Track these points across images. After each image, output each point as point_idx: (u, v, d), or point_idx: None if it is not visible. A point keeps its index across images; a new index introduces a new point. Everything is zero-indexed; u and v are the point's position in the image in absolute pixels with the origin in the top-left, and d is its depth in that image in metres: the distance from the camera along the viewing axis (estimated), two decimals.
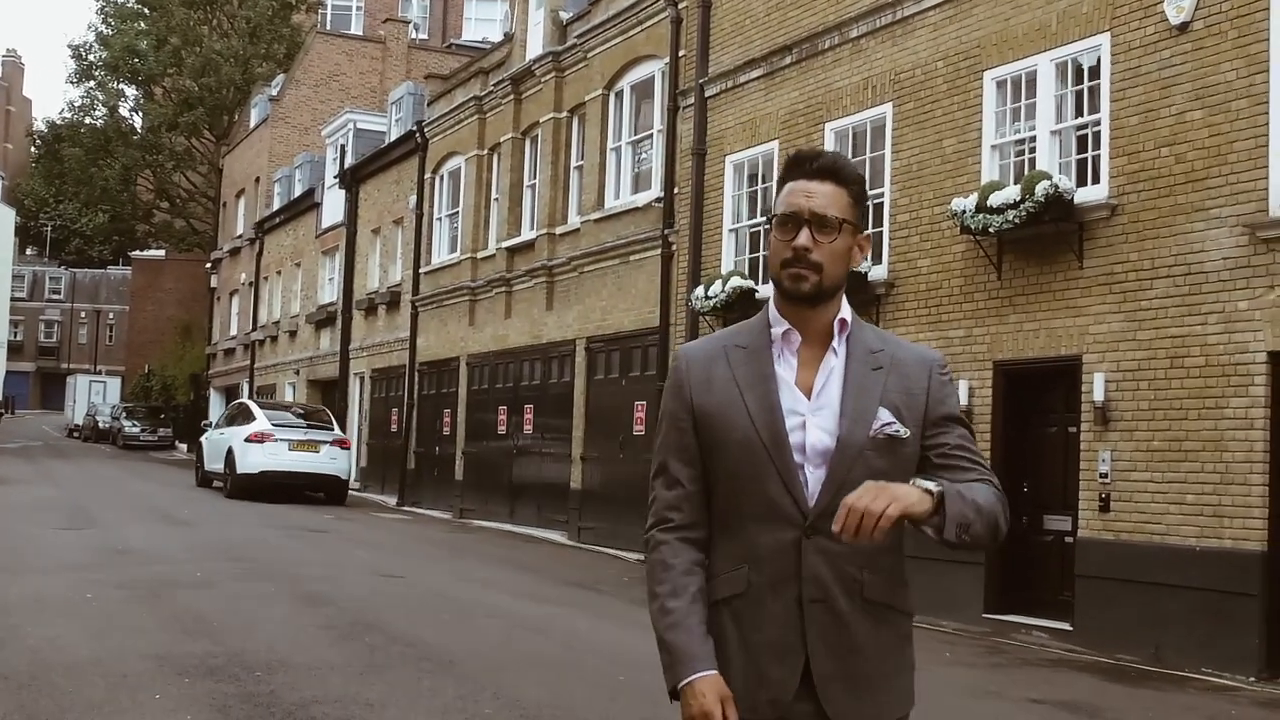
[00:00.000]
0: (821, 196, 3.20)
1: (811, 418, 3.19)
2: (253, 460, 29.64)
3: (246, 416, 31.37)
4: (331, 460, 30.57)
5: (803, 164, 3.26)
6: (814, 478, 3.16)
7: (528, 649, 11.51)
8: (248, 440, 29.83)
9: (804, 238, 3.18)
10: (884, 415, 3.19)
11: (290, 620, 12.25)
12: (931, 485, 3.03)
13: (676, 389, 3.33)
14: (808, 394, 3.21)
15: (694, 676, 3.13)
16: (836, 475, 3.14)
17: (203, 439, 34.84)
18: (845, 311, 3.28)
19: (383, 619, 12.55)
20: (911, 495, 2.98)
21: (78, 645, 10.38)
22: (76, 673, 9.26)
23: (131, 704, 8.38)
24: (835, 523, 2.94)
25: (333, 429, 32.22)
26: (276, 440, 29.74)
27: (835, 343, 3.26)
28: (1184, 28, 13.51)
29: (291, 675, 9.51)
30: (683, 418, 3.30)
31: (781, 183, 3.31)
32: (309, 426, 31.37)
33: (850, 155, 18.11)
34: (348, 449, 32.17)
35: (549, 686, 9.61)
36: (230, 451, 30.39)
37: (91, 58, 68.23)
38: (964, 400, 15.37)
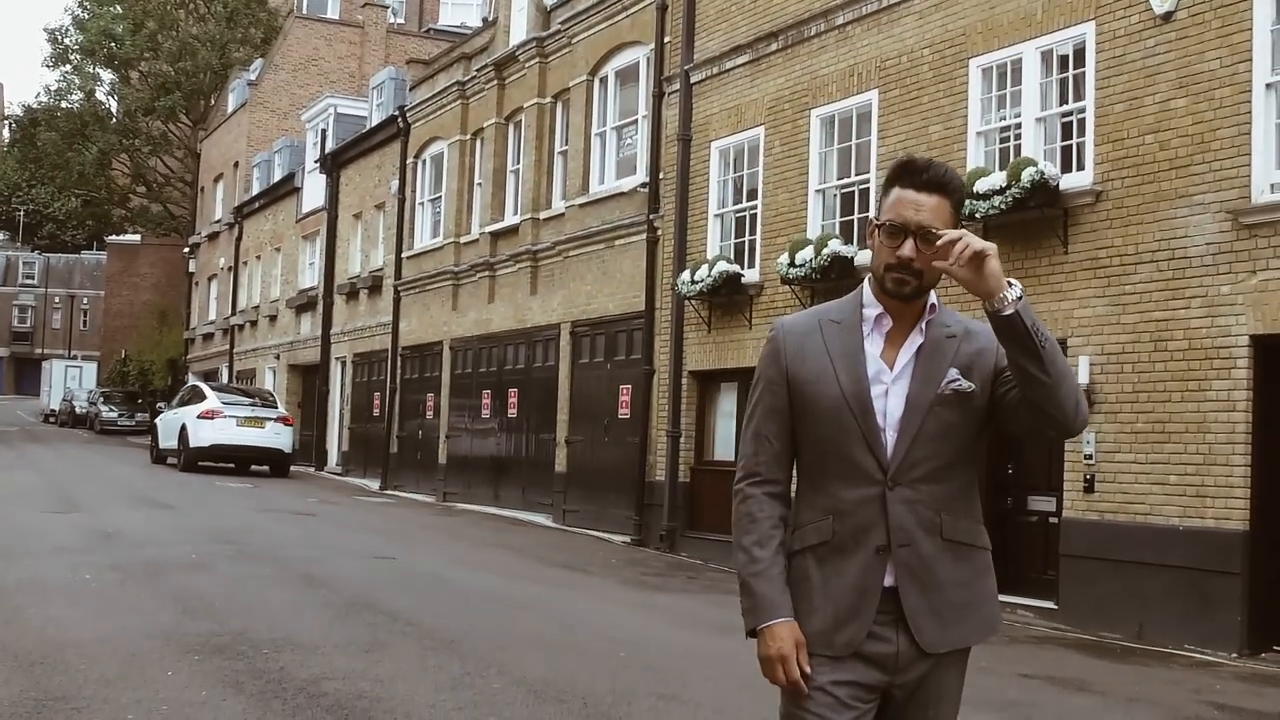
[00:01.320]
0: (929, 210, 3.45)
1: (893, 386, 3.53)
2: (204, 435, 32.57)
3: (198, 396, 34.32)
4: (276, 435, 33.54)
5: (914, 174, 3.50)
6: (893, 439, 3.51)
7: (526, 628, 11.68)
8: (199, 417, 32.74)
9: (909, 249, 3.46)
10: (952, 374, 3.51)
11: (289, 601, 12.38)
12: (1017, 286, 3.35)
13: (774, 356, 3.66)
14: (891, 367, 3.55)
15: (774, 621, 3.50)
16: (909, 429, 3.49)
17: (157, 419, 38.34)
18: (933, 297, 3.60)
19: (380, 599, 12.70)
20: (998, 271, 3.34)
21: (83, 625, 10.48)
22: (86, 652, 9.36)
23: (144, 681, 8.51)
24: (941, 242, 3.37)
25: (277, 407, 35.12)
26: (225, 417, 32.67)
27: (921, 323, 3.58)
28: (1168, 17, 13.73)
29: (298, 653, 9.65)
30: (778, 383, 3.63)
31: (889, 185, 3.55)
32: (255, 405, 34.34)
33: (835, 142, 18.33)
34: (291, 425, 35.05)
35: (551, 663, 9.79)
36: (183, 428, 33.24)
37: (67, 41, 67.88)
38: None
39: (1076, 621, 13.96)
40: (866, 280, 3.68)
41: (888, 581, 3.52)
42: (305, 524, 21.05)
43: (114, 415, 60.68)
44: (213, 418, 32.63)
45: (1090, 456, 14.19)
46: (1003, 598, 14.82)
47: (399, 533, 21.00)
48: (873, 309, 3.60)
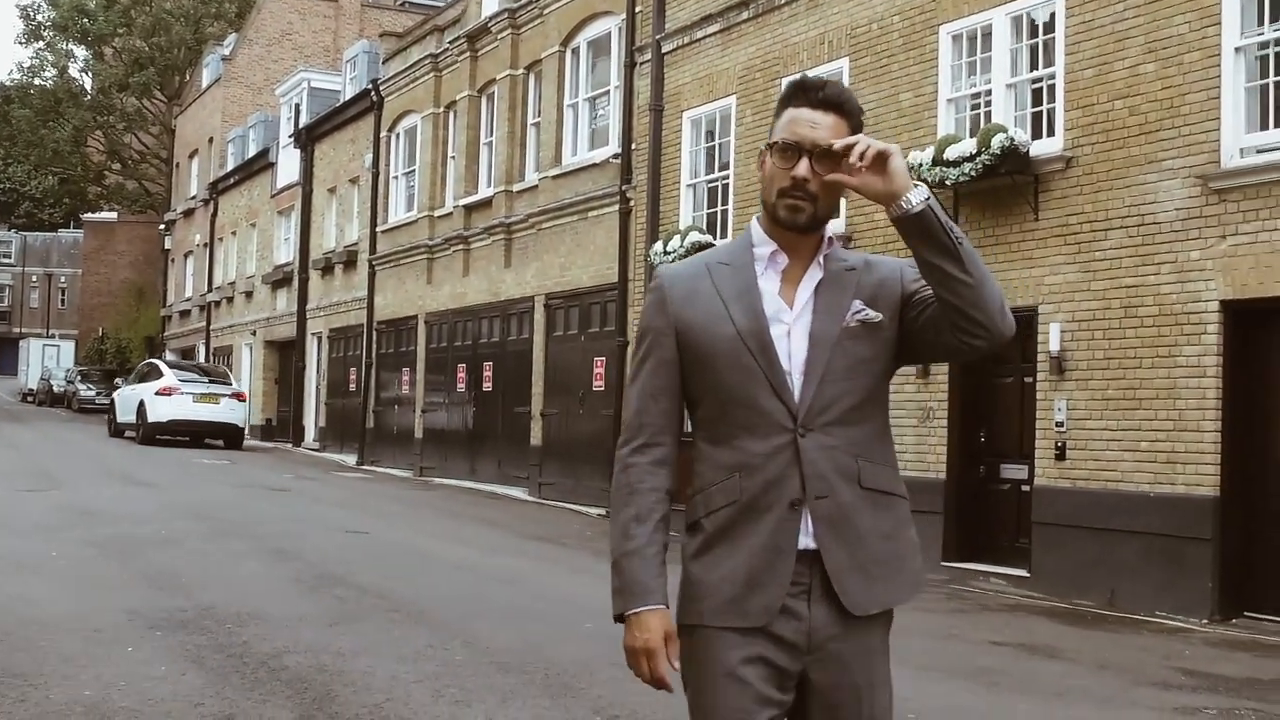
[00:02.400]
0: (825, 129, 3.14)
1: (794, 325, 3.21)
2: (161, 411, 34.19)
3: (156, 374, 35.94)
4: (230, 411, 35.30)
5: (808, 92, 3.20)
6: (800, 382, 3.18)
7: (496, 600, 11.65)
8: (157, 394, 34.36)
9: (803, 168, 3.16)
10: (856, 304, 3.22)
11: (259, 575, 12.34)
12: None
13: (659, 306, 3.32)
14: (790, 305, 3.23)
15: (643, 608, 3.17)
16: (816, 367, 3.18)
17: (115, 395, 39.86)
18: (829, 230, 3.31)
19: (351, 572, 12.66)
20: (904, 169, 3.09)
21: (50, 602, 10.44)
22: (50, 628, 9.31)
23: (106, 657, 8.45)
24: (838, 146, 3.10)
25: (231, 384, 37.08)
26: (182, 394, 34.31)
27: (819, 257, 3.28)
28: None
29: (263, 627, 9.61)
30: (665, 333, 3.29)
31: (782, 106, 3.25)
32: (210, 381, 36.05)
33: None
34: (244, 401, 36.86)
35: (518, 634, 9.75)
36: (142, 404, 34.79)
37: (40, 18, 67.56)
38: None
39: (1049, 589, 13.95)
40: (755, 219, 3.36)
41: (804, 542, 3.15)
42: (280, 499, 21.00)
43: (92, 393, 60.30)
44: (170, 394, 34.17)
45: (1061, 424, 14.16)
46: (976, 566, 14.95)
47: (373, 507, 20.94)
48: (765, 246, 3.28)
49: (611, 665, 8.60)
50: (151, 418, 34.28)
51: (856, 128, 3.20)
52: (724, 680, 3.14)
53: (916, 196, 3.03)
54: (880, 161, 3.04)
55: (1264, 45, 12.70)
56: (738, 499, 3.18)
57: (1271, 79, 12.62)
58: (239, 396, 36.14)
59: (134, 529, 15.51)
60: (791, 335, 3.21)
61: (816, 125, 3.15)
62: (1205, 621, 12.40)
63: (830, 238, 3.29)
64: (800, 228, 3.21)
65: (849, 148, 3.07)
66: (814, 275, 3.27)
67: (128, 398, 36.62)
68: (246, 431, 37.29)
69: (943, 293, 3.10)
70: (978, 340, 3.14)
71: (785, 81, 3.43)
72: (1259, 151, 12.58)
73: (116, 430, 37.98)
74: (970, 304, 3.08)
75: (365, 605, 10.82)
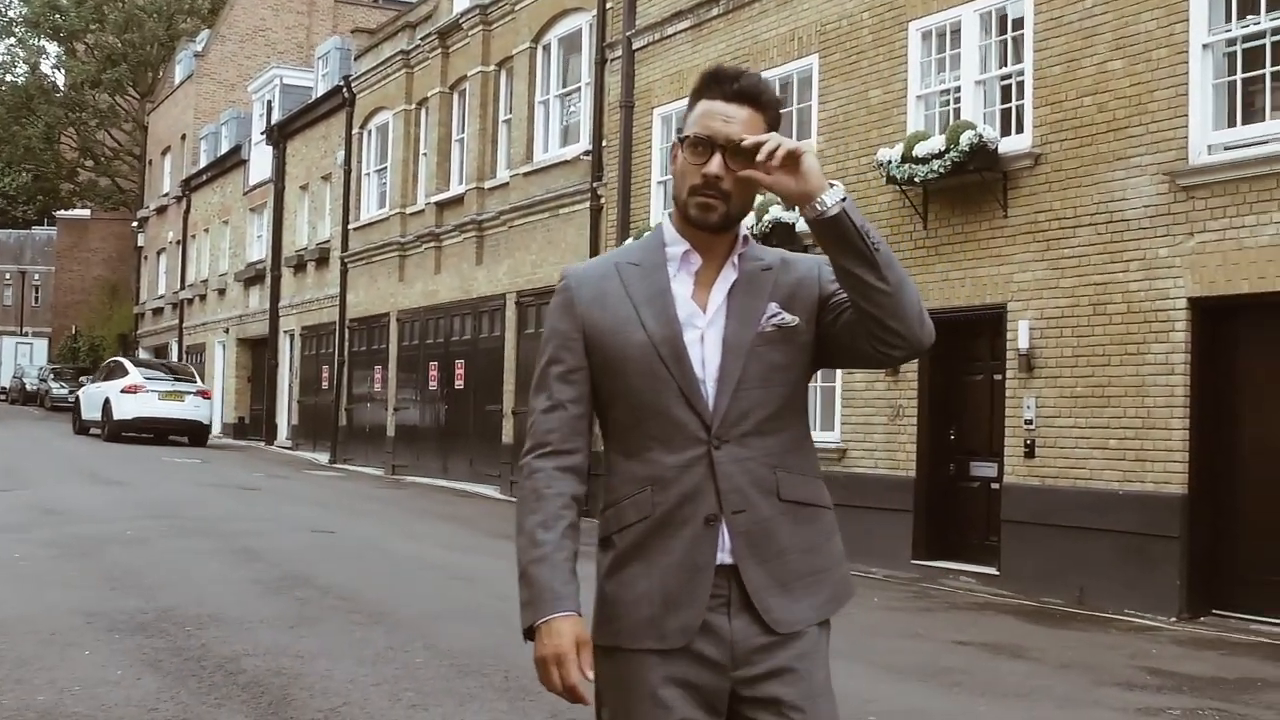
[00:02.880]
0: (739, 123, 2.97)
1: (707, 331, 3.03)
2: (127, 408, 34.52)
3: (121, 371, 36.29)
4: (195, 408, 35.60)
5: (722, 83, 3.02)
6: (714, 391, 3.00)
7: (460, 600, 11.56)
8: (123, 391, 34.70)
9: (716, 165, 2.97)
10: (771, 308, 3.05)
11: (222, 576, 12.23)
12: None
13: (565, 308, 3.13)
14: (704, 309, 3.05)
15: (554, 615, 2.92)
16: (730, 375, 3.00)
17: (80, 392, 40.17)
18: (744, 228, 3.15)
19: (314, 573, 12.56)
20: (817, 169, 2.91)
21: (7, 603, 10.32)
22: (6, 630, 9.20)
23: (61, 660, 8.34)
24: (747, 143, 2.91)
25: (196, 382, 37.30)
26: (148, 391, 34.67)
27: (733, 257, 3.10)
28: None
29: (222, 629, 9.51)
30: (572, 337, 3.10)
31: (695, 98, 3.07)
32: (175, 379, 36.30)
33: None
34: (209, 399, 37.19)
35: (480, 636, 9.66)
36: (107, 401, 35.09)
37: (11, 13, 67.20)
38: None
39: (1018, 587, 13.92)
40: (666, 217, 3.17)
41: (721, 558, 2.98)
42: (249, 498, 20.89)
43: (64, 392, 59.91)
44: (135, 392, 34.57)
45: (1030, 421, 14.13)
46: (946, 564, 14.92)
47: (343, 506, 20.83)
48: (677, 246, 3.09)
49: None
50: (117, 415, 34.64)
51: (773, 122, 3.05)
52: (646, 704, 2.98)
53: (831, 198, 2.86)
54: (792, 161, 2.86)
55: (1231, 42, 12.66)
56: (650, 514, 3.01)
57: (1239, 75, 12.59)
58: (204, 394, 36.57)
59: (99, 528, 15.38)
60: (705, 341, 3.03)
61: (730, 119, 2.98)
62: (1173, 619, 12.37)
63: (745, 236, 3.14)
64: (712, 227, 3.04)
65: (759, 145, 2.89)
66: (728, 277, 3.09)
67: (93, 395, 36.88)
68: (216, 428, 38.03)
69: (858, 300, 2.94)
70: (895, 350, 3.00)
71: (701, 73, 3.12)
72: (1226, 148, 12.56)
73: (81, 428, 38.09)
74: (888, 313, 2.92)
75: (326, 606, 10.73)
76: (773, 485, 3.04)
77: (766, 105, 3.04)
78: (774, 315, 3.05)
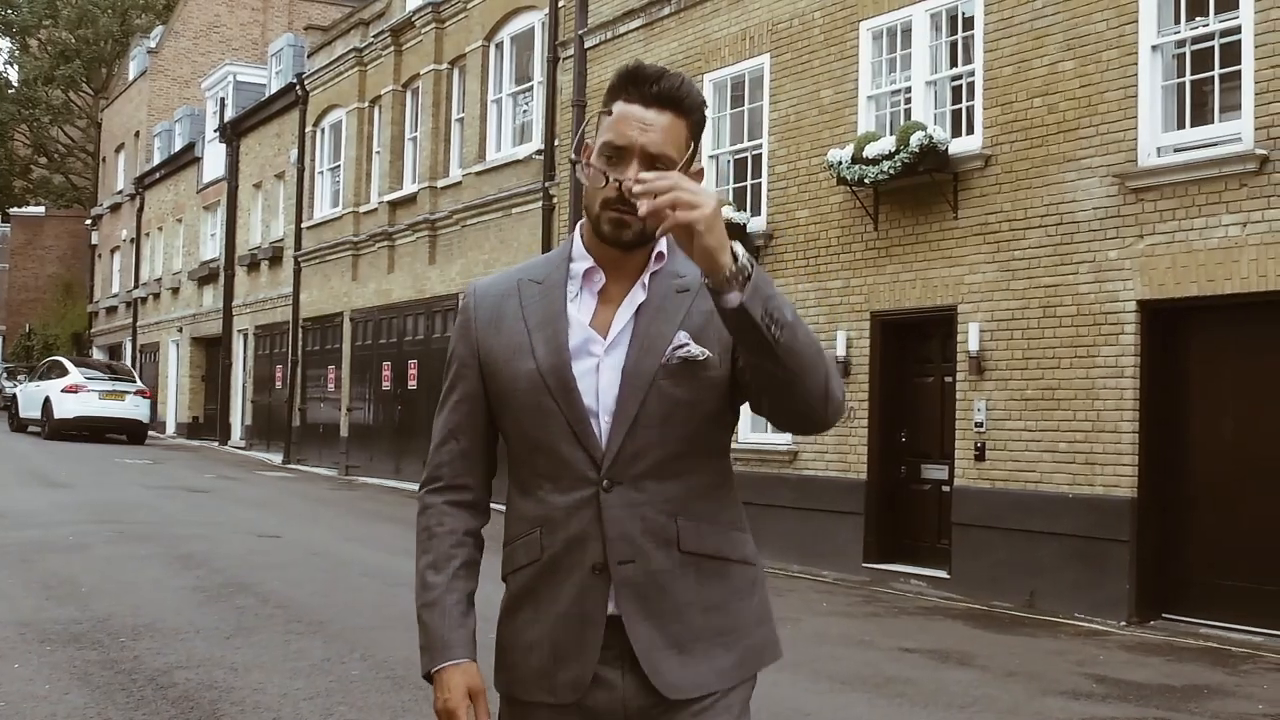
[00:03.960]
0: (658, 130, 2.64)
1: (605, 359, 2.73)
2: (68, 407, 35.06)
3: (60, 371, 36.76)
4: (135, 407, 36.16)
5: (640, 85, 2.69)
6: (608, 426, 2.71)
7: (401, 608, 11.34)
8: (64, 391, 35.20)
9: (632, 178, 2.58)
10: (680, 338, 2.71)
11: (161, 583, 12.03)
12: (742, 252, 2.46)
13: (463, 329, 2.89)
14: (604, 334, 2.74)
15: (443, 665, 2.79)
16: (626, 411, 2.69)
17: (17, 390, 40.92)
18: (661, 244, 2.79)
19: (256, 579, 12.38)
20: (720, 224, 2.44)
21: None
22: None
23: None
24: (634, 183, 2.46)
25: (135, 381, 37.82)
26: (89, 391, 35.18)
27: (645, 276, 2.78)
28: None
29: (157, 640, 9.34)
30: (468, 363, 2.87)
31: (611, 98, 2.73)
32: (115, 379, 36.90)
33: (728, 107, 18.06)
34: (149, 398, 37.60)
35: (418, 646, 9.50)
36: (47, 400, 35.57)
37: None
38: (841, 351, 15.47)
39: (968, 591, 13.85)
40: (578, 228, 2.85)
41: (612, 609, 2.71)
42: (197, 501, 20.65)
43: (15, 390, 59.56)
44: (76, 391, 35.12)
45: (981, 424, 14.06)
46: (897, 568, 14.85)
47: (292, 508, 20.62)
48: (582, 262, 2.79)
49: None
50: (58, 414, 35.12)
51: (696, 127, 2.73)
52: None
53: (735, 275, 2.42)
54: (683, 232, 2.40)
55: (1181, 43, 12.63)
56: (538, 558, 2.77)
57: (1188, 77, 12.55)
58: (143, 393, 36.99)
59: (40, 533, 15.14)
60: (601, 370, 2.73)
61: (648, 127, 2.64)
62: (1123, 624, 12.32)
63: (661, 252, 2.79)
64: (625, 245, 2.72)
65: (650, 192, 2.43)
66: (635, 298, 2.76)
67: (31, 394, 37.35)
68: (170, 428, 38.30)
69: (755, 378, 2.64)
70: (794, 428, 2.71)
71: (618, 70, 2.76)
72: (1176, 150, 12.52)
73: (19, 426, 38.64)
74: (784, 395, 2.60)
75: (265, 615, 10.55)
76: (672, 535, 2.73)
77: (689, 109, 2.71)
78: (680, 346, 2.71)
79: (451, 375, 2.92)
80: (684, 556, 2.73)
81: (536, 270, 2.89)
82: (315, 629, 10.06)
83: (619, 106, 2.69)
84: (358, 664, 8.85)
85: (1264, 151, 11.61)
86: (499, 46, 25.08)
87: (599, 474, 2.71)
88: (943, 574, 14.34)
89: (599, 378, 2.73)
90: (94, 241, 58.62)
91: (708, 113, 2.80)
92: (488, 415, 2.89)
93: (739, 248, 2.45)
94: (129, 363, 48.90)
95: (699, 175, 2.72)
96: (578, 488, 2.73)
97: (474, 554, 2.92)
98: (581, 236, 2.83)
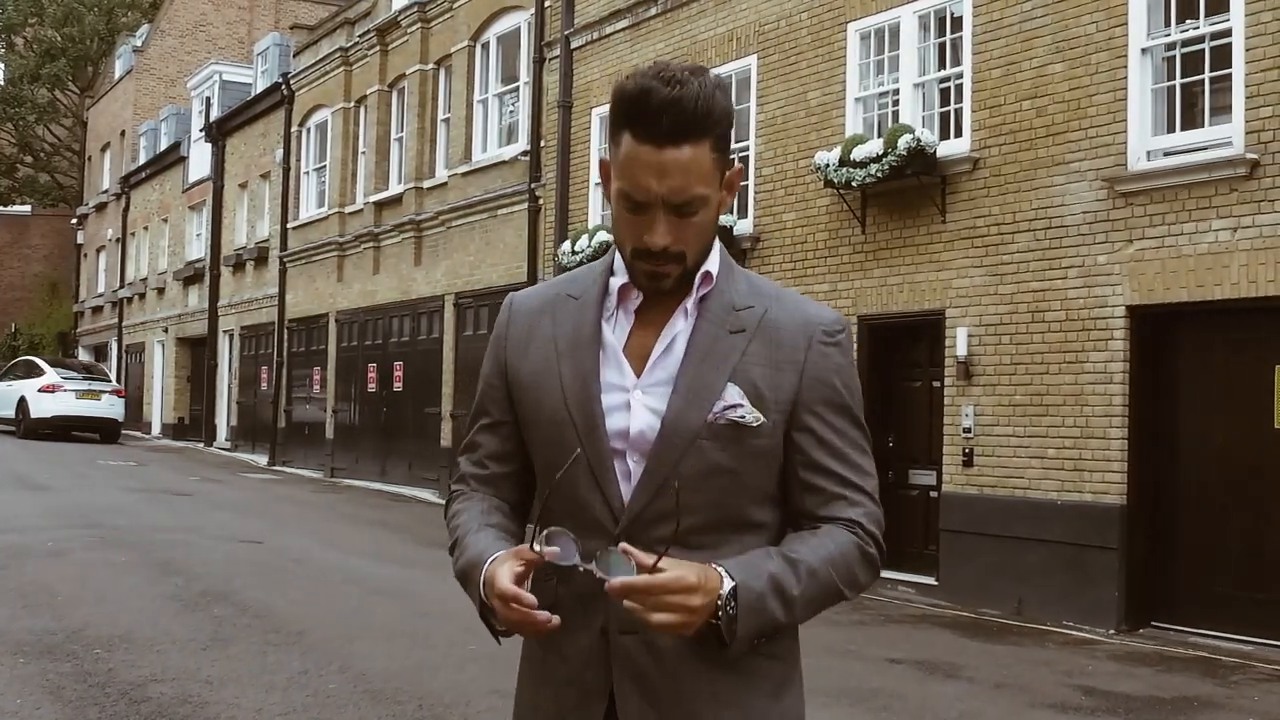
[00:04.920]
0: (679, 173, 2.26)
1: (639, 395, 2.39)
2: (45, 407, 35.48)
3: (35, 371, 37.12)
4: (110, 406, 36.71)
5: (648, 124, 2.26)
6: (636, 473, 2.38)
7: (381, 617, 11.23)
8: (40, 391, 35.60)
9: (661, 234, 2.31)
10: (731, 394, 2.35)
11: (138, 591, 11.86)
12: (727, 583, 2.22)
13: (495, 345, 2.61)
14: (642, 364, 2.41)
15: (485, 570, 2.34)
16: (658, 469, 2.34)
17: None
18: (713, 262, 2.43)
19: (234, 587, 12.21)
20: (704, 611, 2.19)
21: None
22: None
23: None
24: (612, 587, 2.17)
25: (110, 381, 38.85)
26: (66, 390, 35.66)
27: (689, 301, 2.42)
28: None
29: (132, 652, 9.18)
30: (494, 384, 2.58)
31: (617, 126, 2.33)
32: (90, 379, 37.50)
33: None
34: (124, 397, 38.46)
35: (399, 657, 9.36)
36: (23, 400, 36.01)
37: None
38: None
39: (956, 597, 13.73)
40: None
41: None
42: (179, 505, 20.46)
43: None
44: (54, 391, 35.56)
45: (969, 430, 13.94)
46: (884, 574, 14.63)
47: (275, 513, 20.45)
48: (620, 277, 2.44)
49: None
50: (35, 413, 35.48)
51: (723, 142, 2.33)
52: None
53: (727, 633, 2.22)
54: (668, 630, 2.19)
55: (1171, 46, 12.52)
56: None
57: (1178, 80, 12.44)
58: (118, 393, 37.73)
59: (18, 539, 14.94)
60: (634, 410, 2.39)
61: (666, 172, 2.26)
62: (1112, 632, 12.20)
63: (709, 272, 2.43)
64: (669, 292, 2.41)
65: (622, 594, 2.17)
66: (677, 325, 2.42)
67: (5, 395, 37.41)
68: (156, 429, 38.11)
69: None
70: None
71: (619, 91, 2.32)
72: (1166, 154, 12.41)
73: None
74: None
75: (242, 625, 10.38)
76: None
77: (710, 129, 2.28)
78: (731, 407, 2.36)
79: (479, 395, 2.65)
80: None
81: (577, 283, 2.55)
82: (293, 640, 9.91)
83: (627, 144, 2.30)
84: (335, 677, 8.69)
85: (1254, 156, 11.50)
86: (485, 47, 24.93)
87: (615, 527, 2.36)
88: (930, 580, 14.23)
89: (631, 418, 2.39)
90: (79, 241, 58.34)
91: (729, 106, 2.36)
92: (518, 440, 2.57)
93: (725, 584, 2.21)
94: (114, 363, 48.81)
95: (736, 177, 2.41)
96: (592, 536, 2.34)
97: (512, 526, 2.58)
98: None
